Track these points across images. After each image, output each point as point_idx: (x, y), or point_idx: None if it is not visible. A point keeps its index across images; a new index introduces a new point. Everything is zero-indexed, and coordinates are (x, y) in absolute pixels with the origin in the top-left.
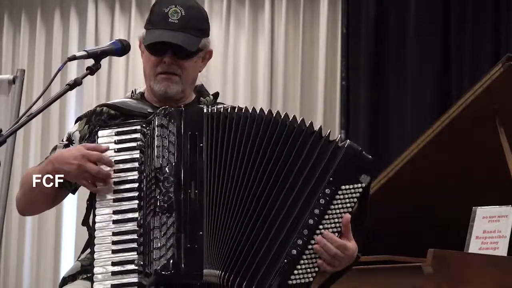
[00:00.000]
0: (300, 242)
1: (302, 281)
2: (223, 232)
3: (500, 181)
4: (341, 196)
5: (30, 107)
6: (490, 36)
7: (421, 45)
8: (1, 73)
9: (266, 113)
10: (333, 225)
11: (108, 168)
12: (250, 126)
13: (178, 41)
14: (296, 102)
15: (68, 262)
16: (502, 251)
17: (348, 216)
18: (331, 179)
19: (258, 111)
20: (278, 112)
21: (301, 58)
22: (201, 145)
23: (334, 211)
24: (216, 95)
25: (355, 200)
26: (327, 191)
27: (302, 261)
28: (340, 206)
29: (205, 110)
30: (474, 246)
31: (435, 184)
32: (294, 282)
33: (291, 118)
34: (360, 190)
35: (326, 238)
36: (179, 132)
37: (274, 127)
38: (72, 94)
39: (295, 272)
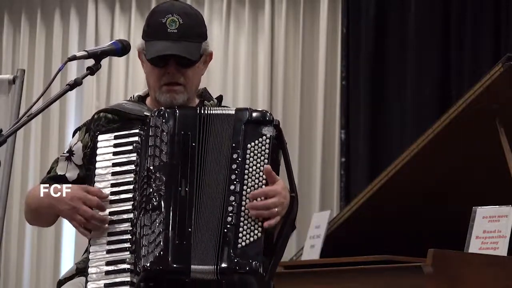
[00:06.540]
0: (230, 208)
1: (251, 239)
2: (207, 227)
3: (500, 181)
4: (251, 154)
5: (30, 107)
6: (490, 36)
7: (421, 45)
8: (1, 73)
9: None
10: (256, 180)
11: (103, 213)
12: (230, 126)
13: (181, 52)
14: (296, 102)
15: (68, 263)
16: (502, 251)
17: (267, 167)
18: (233, 145)
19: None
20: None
21: (301, 58)
22: (193, 144)
23: (251, 169)
24: (220, 98)
25: (267, 151)
26: (235, 155)
27: (241, 223)
28: (254, 162)
29: (198, 111)
30: (474, 246)
31: (435, 184)
32: (243, 244)
33: None
34: (268, 141)
35: (252, 198)
36: (173, 132)
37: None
38: (72, 94)
39: (240, 235)
